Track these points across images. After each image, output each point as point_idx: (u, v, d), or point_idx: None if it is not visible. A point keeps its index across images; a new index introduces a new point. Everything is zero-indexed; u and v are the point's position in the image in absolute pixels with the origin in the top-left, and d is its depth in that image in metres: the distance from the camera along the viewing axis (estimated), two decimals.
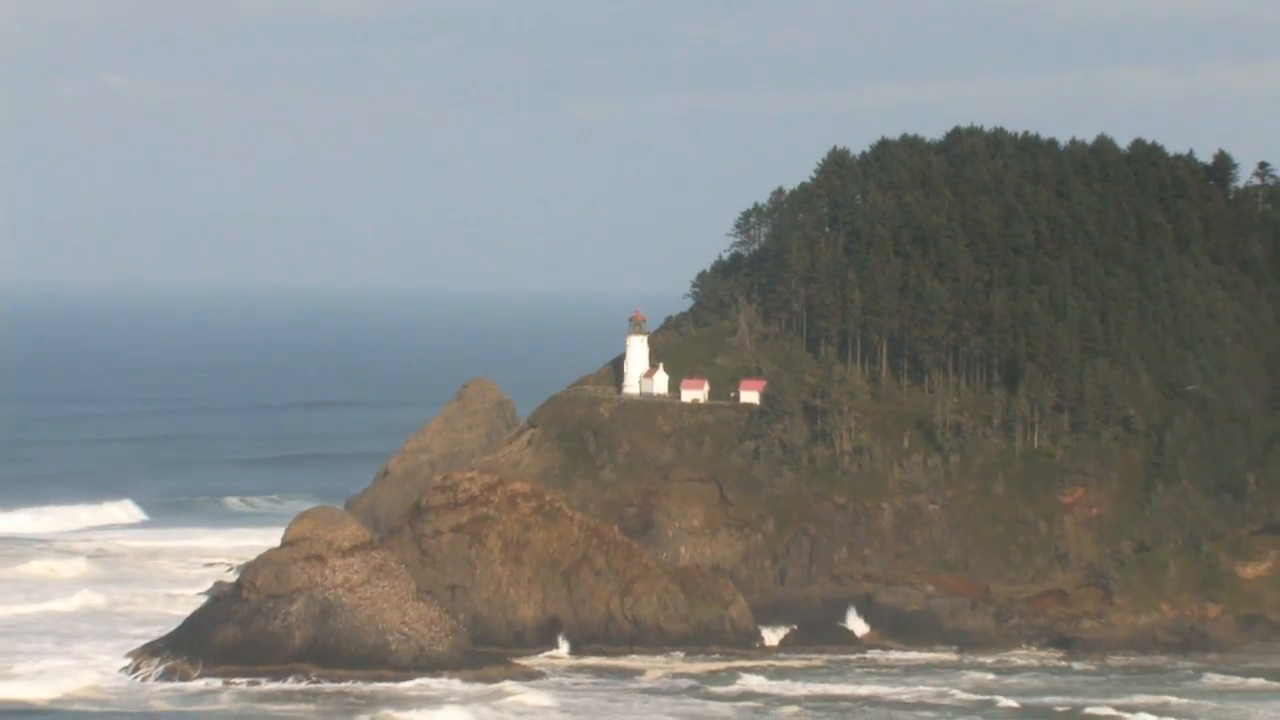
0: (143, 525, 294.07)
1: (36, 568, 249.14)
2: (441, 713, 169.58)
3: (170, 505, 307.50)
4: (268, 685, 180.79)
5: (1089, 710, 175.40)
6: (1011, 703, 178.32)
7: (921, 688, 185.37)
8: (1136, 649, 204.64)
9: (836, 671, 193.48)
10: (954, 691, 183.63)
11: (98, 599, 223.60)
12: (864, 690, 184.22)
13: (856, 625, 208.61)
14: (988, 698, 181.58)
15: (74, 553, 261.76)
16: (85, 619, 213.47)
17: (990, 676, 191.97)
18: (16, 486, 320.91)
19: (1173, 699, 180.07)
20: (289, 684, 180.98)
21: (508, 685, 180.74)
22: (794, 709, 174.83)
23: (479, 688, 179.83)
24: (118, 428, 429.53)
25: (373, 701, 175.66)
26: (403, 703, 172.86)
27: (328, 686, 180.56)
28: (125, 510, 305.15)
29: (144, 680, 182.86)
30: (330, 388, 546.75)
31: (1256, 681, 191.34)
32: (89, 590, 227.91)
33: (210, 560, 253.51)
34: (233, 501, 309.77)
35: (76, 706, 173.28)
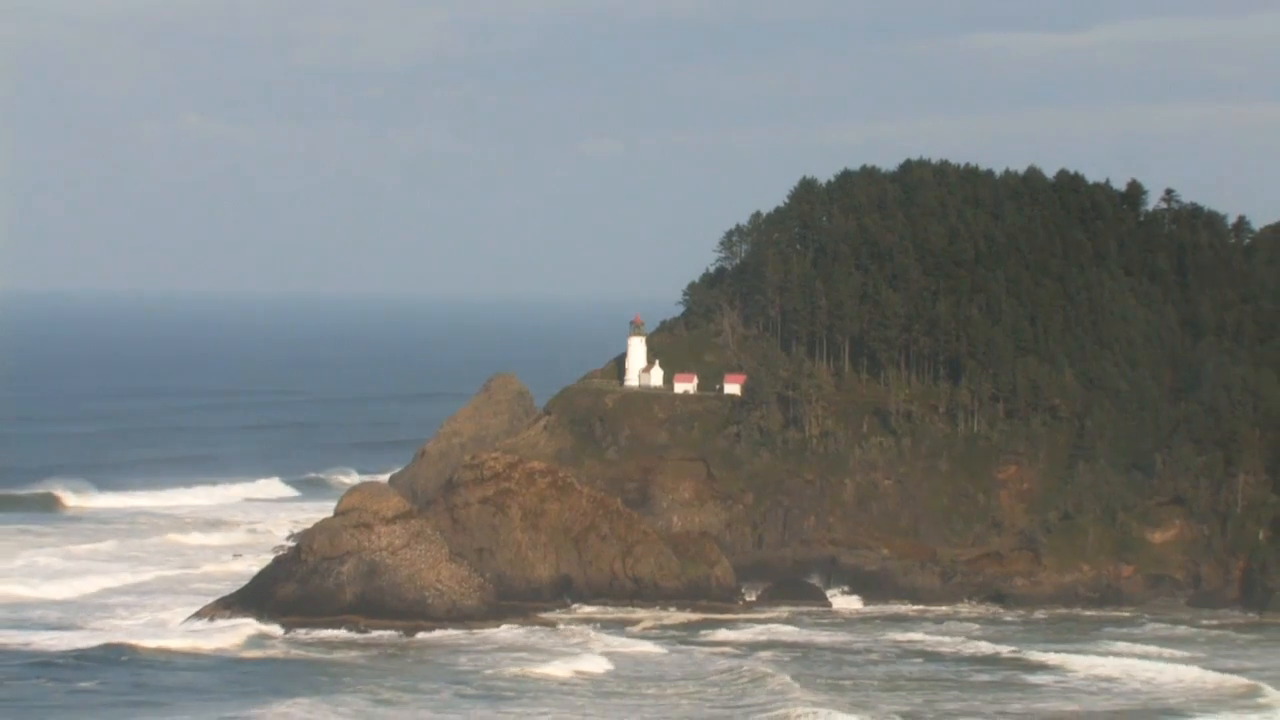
0: (292, 500, 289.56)
1: (196, 538, 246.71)
2: (581, 660, 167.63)
3: (309, 482, 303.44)
4: (322, 633, 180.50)
5: (1021, 654, 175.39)
6: (955, 648, 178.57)
7: (878, 636, 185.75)
8: (1061, 603, 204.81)
9: (805, 622, 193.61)
10: (906, 637, 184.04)
11: (244, 566, 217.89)
12: (828, 638, 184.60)
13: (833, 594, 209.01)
14: (935, 640, 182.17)
15: (233, 524, 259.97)
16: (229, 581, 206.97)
17: (937, 626, 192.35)
18: (178, 466, 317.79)
19: (1090, 645, 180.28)
20: (340, 632, 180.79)
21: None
22: (769, 653, 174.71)
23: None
24: (250, 416, 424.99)
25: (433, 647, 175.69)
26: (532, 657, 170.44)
27: (374, 635, 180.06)
28: (275, 486, 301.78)
29: (214, 628, 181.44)
30: (403, 381, 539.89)
31: (1160, 629, 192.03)
32: (247, 556, 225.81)
33: None
34: (355, 478, 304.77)
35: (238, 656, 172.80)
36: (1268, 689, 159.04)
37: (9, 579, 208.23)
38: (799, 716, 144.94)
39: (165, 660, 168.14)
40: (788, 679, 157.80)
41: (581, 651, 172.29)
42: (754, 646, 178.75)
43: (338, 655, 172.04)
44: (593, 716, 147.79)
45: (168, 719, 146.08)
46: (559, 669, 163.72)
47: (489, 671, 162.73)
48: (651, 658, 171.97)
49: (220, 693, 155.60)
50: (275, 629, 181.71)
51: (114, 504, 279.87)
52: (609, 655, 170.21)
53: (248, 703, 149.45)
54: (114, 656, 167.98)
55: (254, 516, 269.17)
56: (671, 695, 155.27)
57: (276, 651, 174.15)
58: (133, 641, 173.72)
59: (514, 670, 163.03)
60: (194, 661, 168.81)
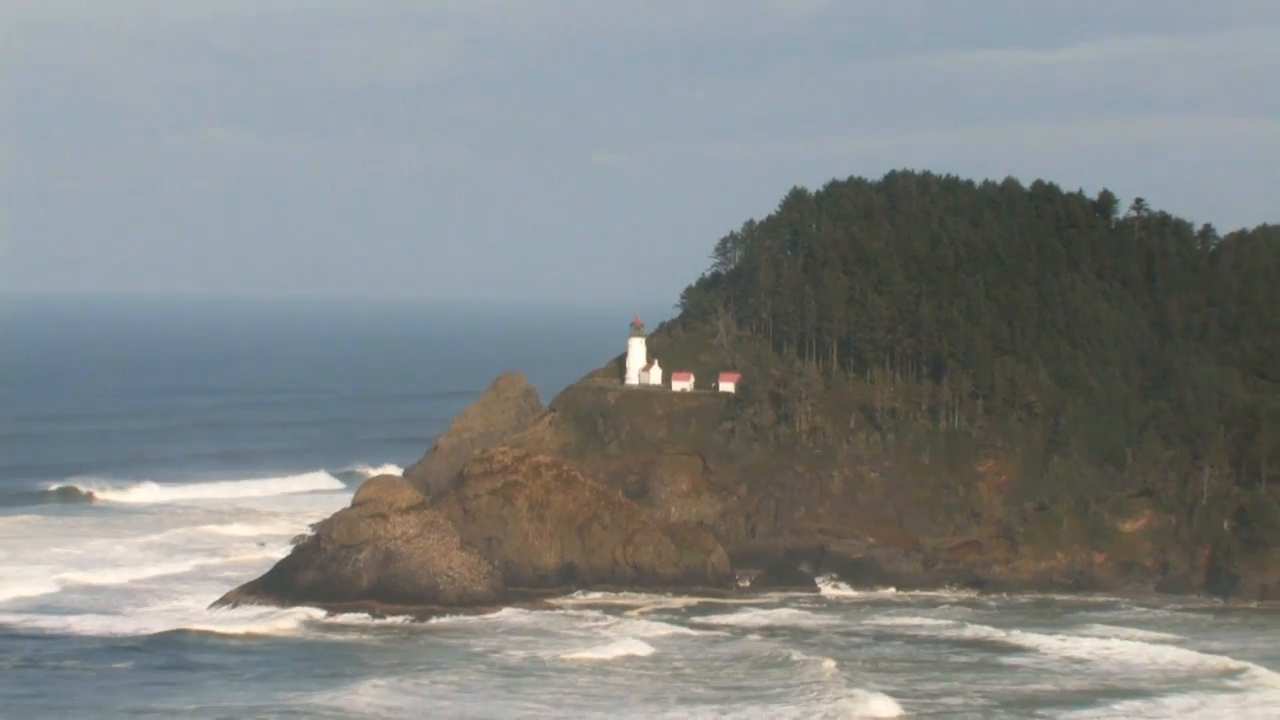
0: (340, 492, 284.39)
1: (238, 528, 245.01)
2: (625, 644, 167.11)
3: (354, 475, 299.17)
4: (340, 617, 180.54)
5: (998, 637, 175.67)
6: (936, 632, 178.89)
7: (863, 619, 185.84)
8: (1037, 588, 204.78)
9: (796, 606, 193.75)
10: (889, 621, 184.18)
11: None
12: (818, 621, 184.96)
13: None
14: (918, 624, 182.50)
15: (277, 515, 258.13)
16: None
17: (919, 609, 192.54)
18: (226, 461, 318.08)
19: (1065, 629, 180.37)
20: (357, 616, 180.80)
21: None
22: (759, 635, 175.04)
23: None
24: (284, 413, 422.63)
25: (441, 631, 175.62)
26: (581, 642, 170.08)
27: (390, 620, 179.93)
28: (322, 479, 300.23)
29: (238, 614, 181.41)
30: (422, 380, 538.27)
31: (1131, 613, 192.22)
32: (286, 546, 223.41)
33: None
34: (396, 470, 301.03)
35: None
36: (1235, 668, 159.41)
37: (69, 567, 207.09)
38: (840, 698, 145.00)
39: (217, 643, 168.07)
40: (831, 664, 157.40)
41: (620, 636, 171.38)
42: (748, 629, 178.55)
43: (384, 638, 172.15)
44: (665, 693, 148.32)
45: (259, 698, 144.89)
46: (604, 652, 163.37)
47: (544, 655, 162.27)
48: (692, 640, 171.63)
49: (290, 673, 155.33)
50: (318, 613, 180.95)
51: (164, 498, 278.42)
52: (647, 640, 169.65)
53: (327, 683, 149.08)
54: (175, 640, 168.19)
55: (302, 508, 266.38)
56: (723, 675, 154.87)
57: (325, 634, 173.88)
58: (189, 626, 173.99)
59: (563, 655, 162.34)
60: (249, 645, 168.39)
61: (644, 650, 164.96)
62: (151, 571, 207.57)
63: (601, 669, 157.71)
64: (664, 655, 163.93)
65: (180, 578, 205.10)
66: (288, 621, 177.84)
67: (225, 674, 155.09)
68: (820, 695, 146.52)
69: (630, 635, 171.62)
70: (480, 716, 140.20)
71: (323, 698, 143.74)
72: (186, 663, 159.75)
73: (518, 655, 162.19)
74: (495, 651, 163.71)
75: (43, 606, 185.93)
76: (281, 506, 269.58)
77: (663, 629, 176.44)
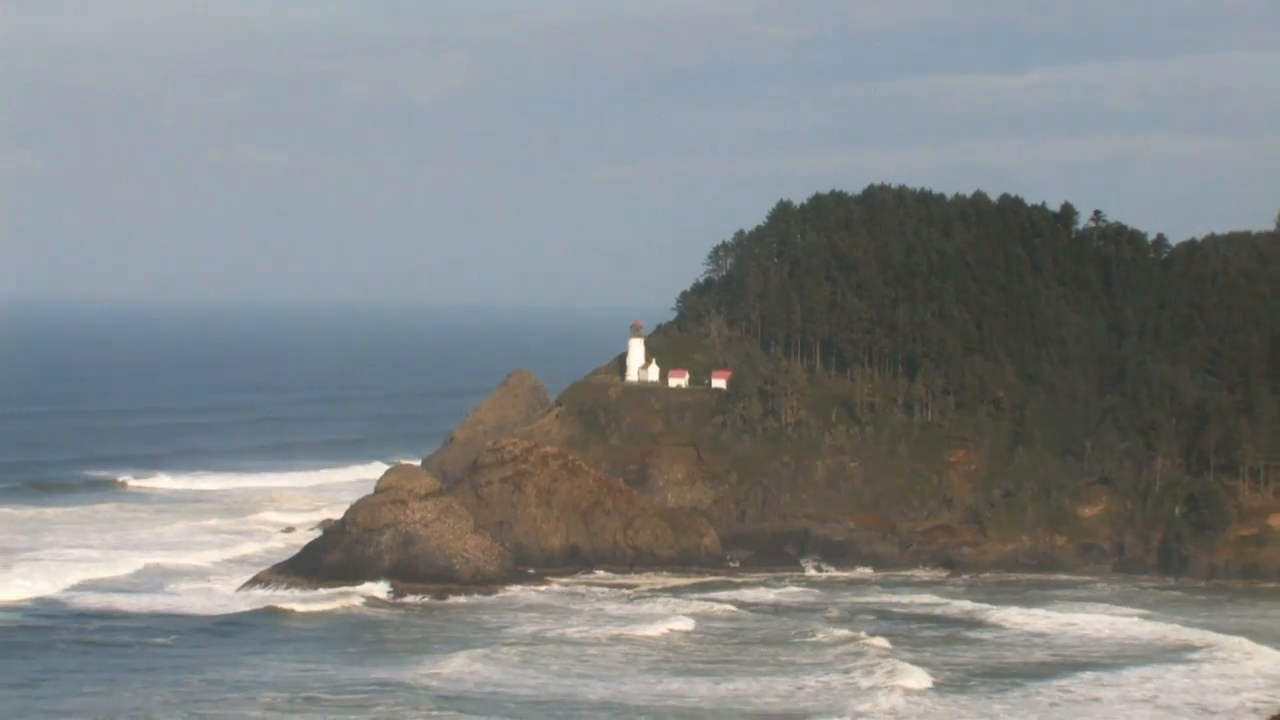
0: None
1: (270, 515, 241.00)
2: (673, 621, 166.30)
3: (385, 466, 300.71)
4: (363, 594, 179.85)
5: (969, 611, 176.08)
6: (911, 608, 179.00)
7: (843, 597, 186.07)
8: (1003, 568, 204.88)
9: (782, 584, 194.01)
10: (865, 599, 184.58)
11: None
12: (802, 598, 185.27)
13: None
14: (893, 600, 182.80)
15: (323, 503, 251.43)
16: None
17: (895, 587, 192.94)
18: (290, 451, 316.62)
19: (1027, 605, 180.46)
20: (381, 594, 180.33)
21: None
22: (748, 611, 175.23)
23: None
24: (333, 409, 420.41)
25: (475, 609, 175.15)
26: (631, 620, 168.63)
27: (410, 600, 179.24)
28: (373, 470, 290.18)
29: (271, 593, 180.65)
30: (441, 379, 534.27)
31: (1090, 591, 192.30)
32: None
33: None
34: None
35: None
36: (1186, 642, 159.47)
37: (150, 551, 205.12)
38: (886, 669, 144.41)
39: (294, 621, 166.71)
40: (884, 641, 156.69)
41: (669, 613, 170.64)
42: (739, 603, 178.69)
43: (377, 613, 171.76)
44: (731, 660, 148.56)
45: (355, 672, 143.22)
46: (651, 629, 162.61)
47: (597, 632, 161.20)
48: (731, 617, 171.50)
49: (367, 647, 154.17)
50: (379, 590, 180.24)
51: (228, 485, 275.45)
52: (689, 615, 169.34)
53: (415, 657, 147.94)
54: (259, 621, 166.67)
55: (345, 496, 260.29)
56: (768, 653, 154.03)
57: (388, 612, 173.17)
58: (275, 604, 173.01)
59: (614, 631, 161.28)
60: (323, 622, 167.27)
61: (687, 625, 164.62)
62: (216, 556, 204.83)
63: (660, 643, 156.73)
64: (706, 630, 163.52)
65: (244, 560, 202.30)
66: (354, 600, 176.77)
67: (316, 648, 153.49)
68: (871, 668, 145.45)
69: (677, 613, 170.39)
70: (574, 689, 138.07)
71: (415, 672, 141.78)
72: (273, 637, 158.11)
73: (576, 630, 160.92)
74: (550, 629, 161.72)
75: (127, 587, 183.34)
76: (328, 495, 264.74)
77: (695, 607, 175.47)
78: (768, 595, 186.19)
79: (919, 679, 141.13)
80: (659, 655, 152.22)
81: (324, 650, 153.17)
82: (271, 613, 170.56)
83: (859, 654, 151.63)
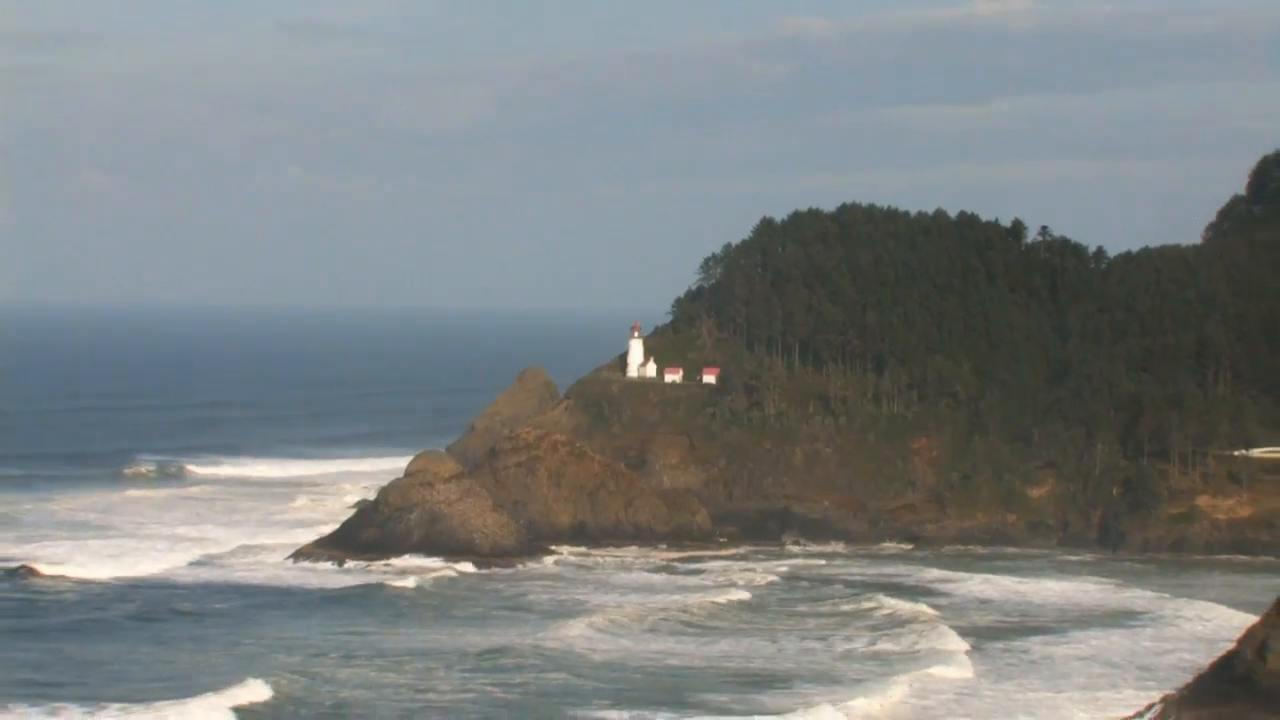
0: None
1: (303, 502, 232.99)
2: (729, 592, 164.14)
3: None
4: (398, 564, 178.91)
5: (930, 581, 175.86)
6: (878, 578, 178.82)
7: (821, 568, 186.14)
8: (961, 542, 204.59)
9: (766, 558, 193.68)
10: (842, 569, 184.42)
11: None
12: (782, 569, 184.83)
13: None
14: (863, 572, 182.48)
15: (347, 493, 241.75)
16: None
17: (865, 560, 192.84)
18: (359, 440, 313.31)
19: (981, 575, 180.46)
20: (409, 564, 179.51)
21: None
22: (737, 580, 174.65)
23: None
24: (389, 402, 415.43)
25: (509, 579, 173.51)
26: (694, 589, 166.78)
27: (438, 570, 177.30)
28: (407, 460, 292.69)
29: (314, 565, 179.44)
30: (463, 376, 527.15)
31: (1038, 563, 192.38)
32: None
33: None
34: None
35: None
36: (1122, 608, 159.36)
37: (232, 530, 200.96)
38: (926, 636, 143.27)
39: (398, 591, 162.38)
40: (929, 610, 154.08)
41: (727, 584, 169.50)
42: (728, 572, 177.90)
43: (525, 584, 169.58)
44: (804, 624, 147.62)
45: (489, 636, 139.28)
46: (716, 596, 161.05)
47: (677, 598, 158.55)
48: (778, 587, 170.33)
49: (485, 615, 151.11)
50: (361, 564, 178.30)
51: (302, 472, 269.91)
52: (744, 587, 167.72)
53: (537, 624, 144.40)
54: (374, 594, 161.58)
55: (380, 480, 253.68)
56: (819, 618, 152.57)
57: (467, 583, 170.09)
58: (384, 581, 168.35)
59: (694, 600, 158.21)
60: (432, 591, 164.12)
61: (745, 595, 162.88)
62: (287, 539, 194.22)
63: (725, 610, 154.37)
64: (761, 600, 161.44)
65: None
66: (448, 571, 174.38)
67: (433, 615, 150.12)
68: (921, 635, 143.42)
69: (732, 584, 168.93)
70: (691, 652, 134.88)
71: (538, 636, 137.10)
72: (392, 607, 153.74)
73: (645, 602, 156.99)
74: (616, 603, 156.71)
75: (234, 565, 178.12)
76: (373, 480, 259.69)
77: (748, 577, 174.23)
78: (742, 567, 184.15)
79: (954, 644, 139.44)
80: (735, 622, 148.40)
81: (439, 618, 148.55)
82: (380, 587, 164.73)
83: (912, 624, 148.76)
